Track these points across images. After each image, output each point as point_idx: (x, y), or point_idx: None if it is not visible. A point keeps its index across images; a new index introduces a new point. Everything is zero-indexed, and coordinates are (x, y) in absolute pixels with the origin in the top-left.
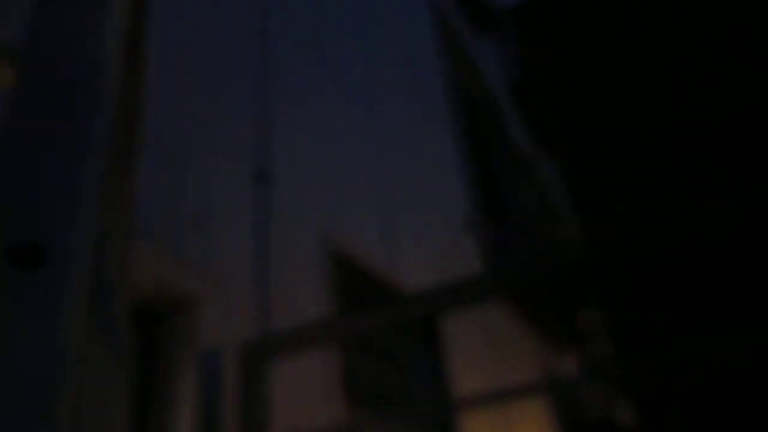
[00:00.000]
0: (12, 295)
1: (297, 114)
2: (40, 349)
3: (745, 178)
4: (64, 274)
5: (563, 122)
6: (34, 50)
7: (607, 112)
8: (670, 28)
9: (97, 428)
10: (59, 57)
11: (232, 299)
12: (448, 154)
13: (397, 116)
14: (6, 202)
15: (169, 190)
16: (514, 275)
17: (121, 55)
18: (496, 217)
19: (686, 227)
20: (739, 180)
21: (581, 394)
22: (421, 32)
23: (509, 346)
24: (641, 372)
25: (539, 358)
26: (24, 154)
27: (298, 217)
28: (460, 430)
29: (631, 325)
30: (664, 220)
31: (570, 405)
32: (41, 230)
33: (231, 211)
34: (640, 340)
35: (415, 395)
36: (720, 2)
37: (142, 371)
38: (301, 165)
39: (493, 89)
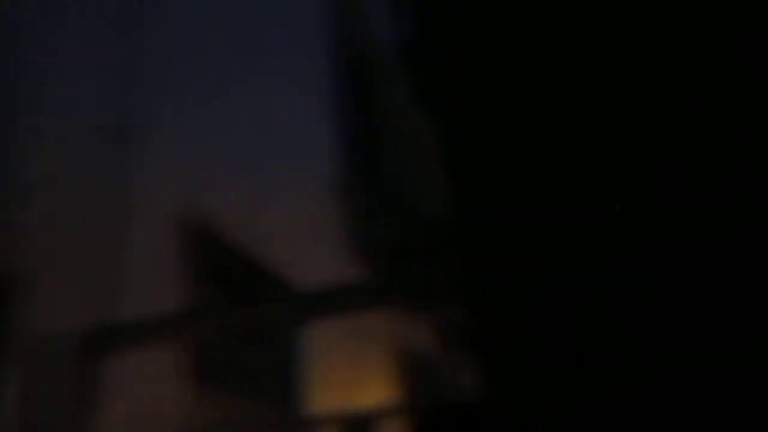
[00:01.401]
0: None
1: (168, 62)
2: None
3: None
4: None
5: (447, 91)
6: None
7: (492, 92)
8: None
9: None
10: None
11: (73, 278)
12: (325, 114)
13: (276, 74)
14: None
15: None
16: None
17: None
18: (365, 182)
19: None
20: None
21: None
22: None
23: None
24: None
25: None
26: None
27: (156, 182)
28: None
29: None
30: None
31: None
32: None
33: (78, 172)
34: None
35: (270, 379)
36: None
37: None
38: (166, 122)
39: (381, 46)
